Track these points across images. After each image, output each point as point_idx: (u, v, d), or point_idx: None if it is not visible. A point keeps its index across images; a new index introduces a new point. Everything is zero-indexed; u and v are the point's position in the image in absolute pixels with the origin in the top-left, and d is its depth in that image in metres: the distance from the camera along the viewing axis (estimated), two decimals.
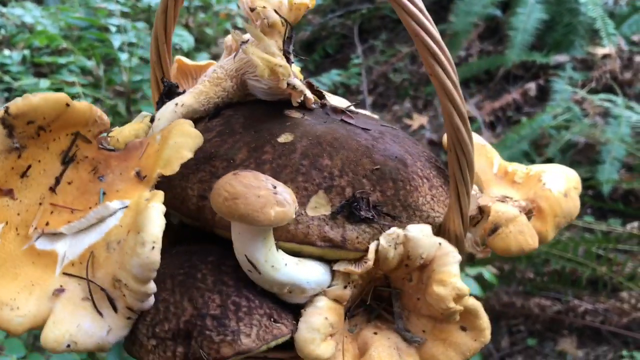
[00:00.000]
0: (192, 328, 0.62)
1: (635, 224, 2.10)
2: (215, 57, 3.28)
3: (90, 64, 2.15)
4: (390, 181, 0.72)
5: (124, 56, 1.98)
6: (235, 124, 0.78)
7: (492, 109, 2.76)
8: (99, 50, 2.16)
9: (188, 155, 0.66)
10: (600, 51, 2.80)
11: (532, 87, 2.77)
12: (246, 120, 0.79)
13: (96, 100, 2.26)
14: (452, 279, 0.67)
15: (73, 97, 1.72)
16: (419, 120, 2.88)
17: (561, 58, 2.82)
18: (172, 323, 0.63)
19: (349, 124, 0.81)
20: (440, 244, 0.70)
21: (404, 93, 3.07)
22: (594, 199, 2.24)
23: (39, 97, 0.67)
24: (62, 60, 2.07)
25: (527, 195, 0.87)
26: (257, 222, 0.57)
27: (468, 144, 0.67)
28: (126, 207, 0.65)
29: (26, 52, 2.13)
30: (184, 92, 0.81)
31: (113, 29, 2.04)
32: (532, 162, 2.35)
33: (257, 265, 0.63)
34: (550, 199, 0.86)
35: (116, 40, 1.97)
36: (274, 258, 0.64)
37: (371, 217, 0.68)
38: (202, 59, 2.75)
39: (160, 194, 0.62)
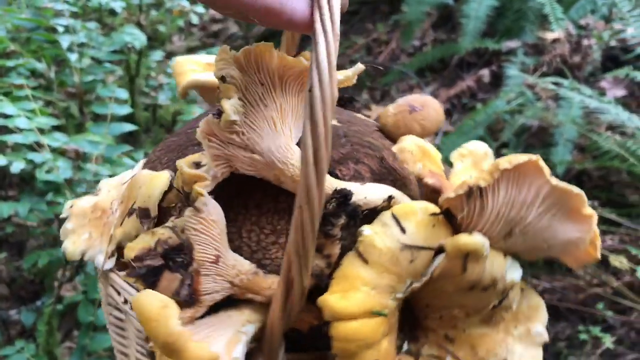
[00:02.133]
0: None
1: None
2: (170, 54, 3.25)
3: (40, 66, 2.10)
4: None
5: (73, 57, 1.94)
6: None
7: (448, 96, 2.79)
8: (49, 51, 2.11)
9: None
10: (549, 36, 2.86)
11: (485, 73, 2.82)
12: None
13: (48, 103, 2.22)
14: None
15: (21, 99, 1.68)
16: (376, 111, 2.89)
17: (512, 44, 2.87)
18: None
19: None
20: None
21: (361, 84, 3.09)
22: None
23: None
24: (10, 63, 2.02)
25: None
26: None
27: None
28: None
29: None
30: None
31: (61, 29, 2.00)
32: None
33: None
34: None
35: (64, 41, 1.93)
36: None
37: None
38: (157, 57, 2.73)
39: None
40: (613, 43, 2.75)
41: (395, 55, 3.12)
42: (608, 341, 1.73)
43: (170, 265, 0.61)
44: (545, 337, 0.71)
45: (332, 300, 0.60)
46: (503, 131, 2.48)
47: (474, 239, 0.62)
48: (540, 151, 2.39)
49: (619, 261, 1.93)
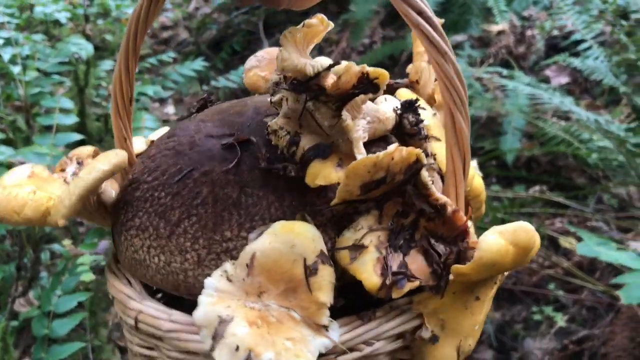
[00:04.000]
0: None
1: (537, 187, 2.23)
2: None
3: None
4: None
5: (16, 69, 1.92)
6: None
7: None
8: None
9: None
10: (494, 28, 2.93)
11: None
12: None
13: None
14: None
15: None
16: None
17: (459, 37, 2.93)
18: None
19: None
20: None
21: None
22: (499, 169, 2.36)
23: None
24: None
25: None
26: None
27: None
28: None
29: None
30: None
31: (0, 42, 1.97)
32: None
33: None
34: None
35: (6, 54, 1.90)
36: None
37: None
38: (106, 67, 2.70)
39: None
40: (555, 32, 2.84)
41: (346, 54, 3.15)
42: (560, 320, 1.79)
43: (403, 251, 0.63)
44: None
45: None
46: None
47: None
48: (490, 140, 2.45)
49: (568, 242, 1.99)
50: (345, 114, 0.64)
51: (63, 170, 0.79)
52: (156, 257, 0.68)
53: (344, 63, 0.63)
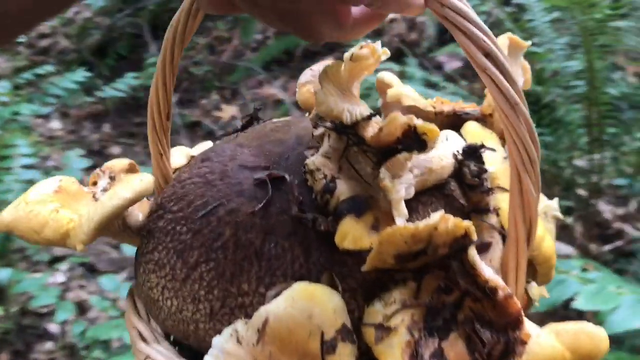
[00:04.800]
0: None
1: None
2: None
3: None
4: None
5: None
6: None
7: None
8: None
9: None
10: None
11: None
12: None
13: None
14: None
15: None
16: (228, 111, 2.83)
17: None
18: None
19: None
20: None
21: (209, 85, 3.00)
22: None
23: None
24: None
25: None
26: None
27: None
28: None
29: None
30: None
31: None
32: None
33: None
34: None
35: None
36: None
37: None
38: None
39: None
40: None
41: (239, 52, 3.06)
42: None
43: (440, 335, 0.53)
44: None
45: None
46: None
47: None
48: None
49: None
50: (383, 173, 0.55)
51: (95, 183, 0.75)
52: (169, 300, 0.63)
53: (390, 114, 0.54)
